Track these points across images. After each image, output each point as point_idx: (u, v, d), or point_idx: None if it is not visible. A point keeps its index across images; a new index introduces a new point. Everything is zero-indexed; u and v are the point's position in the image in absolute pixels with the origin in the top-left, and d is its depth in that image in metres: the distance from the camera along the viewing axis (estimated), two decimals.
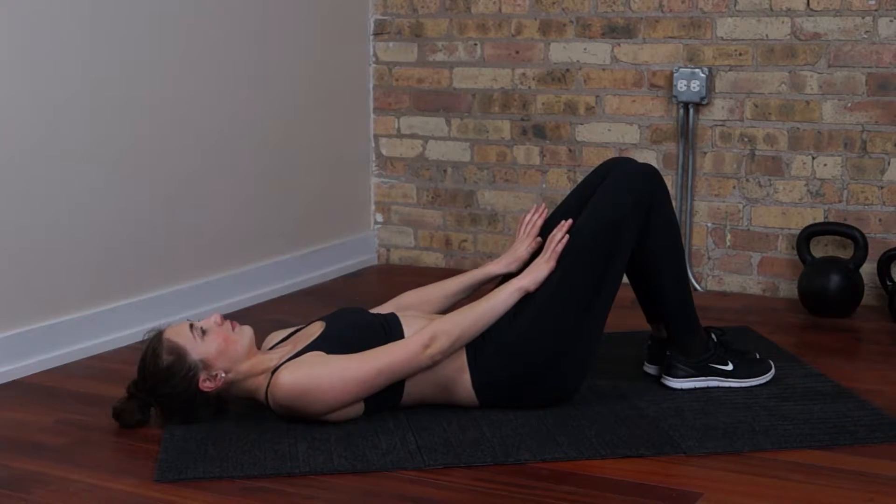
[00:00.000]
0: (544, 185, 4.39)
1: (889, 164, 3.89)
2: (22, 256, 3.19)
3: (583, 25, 4.27)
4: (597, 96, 4.28)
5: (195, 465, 2.48)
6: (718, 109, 4.09)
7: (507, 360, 2.74)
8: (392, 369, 2.66)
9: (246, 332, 2.75)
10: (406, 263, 4.66)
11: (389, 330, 2.76)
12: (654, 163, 4.16)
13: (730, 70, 4.06)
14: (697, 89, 4.05)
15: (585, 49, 4.27)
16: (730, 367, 2.98)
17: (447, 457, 2.51)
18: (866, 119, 3.89)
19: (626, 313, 3.35)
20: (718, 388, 2.96)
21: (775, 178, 4.05)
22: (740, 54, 4.03)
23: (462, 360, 2.74)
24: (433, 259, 4.62)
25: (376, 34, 4.63)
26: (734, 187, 4.11)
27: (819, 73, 3.94)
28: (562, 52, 4.32)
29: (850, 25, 3.87)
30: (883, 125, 3.88)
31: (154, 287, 3.62)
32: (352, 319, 2.83)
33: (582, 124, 4.32)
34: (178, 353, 2.65)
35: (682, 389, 2.95)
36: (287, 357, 2.70)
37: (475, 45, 4.47)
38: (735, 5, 4.02)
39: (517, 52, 4.39)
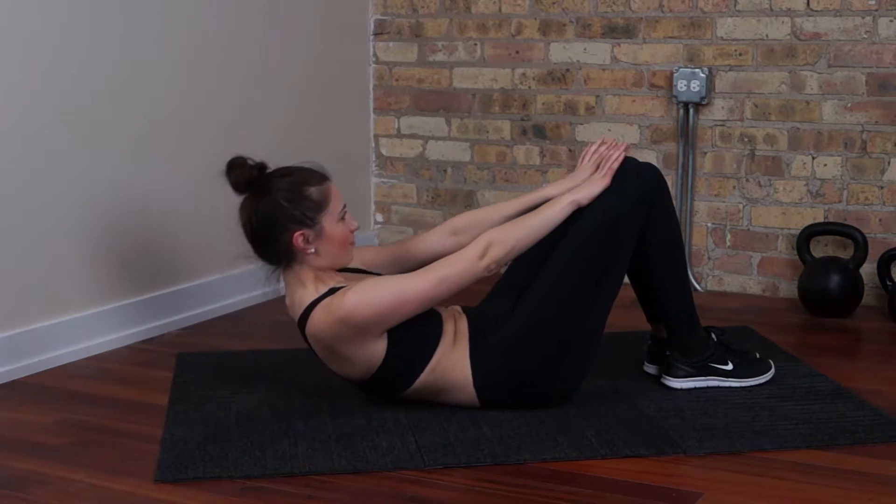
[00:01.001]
0: (544, 185, 4.39)
1: (889, 164, 3.89)
2: (22, 256, 3.19)
3: (583, 25, 4.27)
4: (597, 96, 4.28)
5: (195, 465, 2.48)
6: (718, 109, 4.09)
7: (508, 360, 2.74)
8: (451, 279, 2.65)
9: (351, 255, 2.77)
10: None
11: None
12: (654, 163, 4.13)
13: (730, 70, 4.06)
14: (697, 89, 4.05)
15: (585, 49, 4.28)
16: (730, 366, 2.98)
17: (447, 457, 2.51)
18: (866, 119, 3.89)
19: (626, 313, 3.35)
20: (718, 387, 2.96)
21: (775, 178, 4.05)
22: (740, 54, 4.04)
23: (465, 360, 2.74)
24: None
25: (376, 34, 4.63)
26: (734, 187, 4.11)
27: (819, 73, 3.94)
28: (562, 52, 4.32)
29: (850, 25, 3.87)
30: (883, 125, 3.88)
31: (154, 287, 3.62)
32: None
33: (582, 124, 4.32)
34: (321, 204, 2.67)
35: (682, 389, 2.95)
36: (343, 285, 2.68)
37: (475, 45, 4.47)
38: (735, 5, 4.02)
39: (517, 52, 4.39)
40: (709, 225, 4.17)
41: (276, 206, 2.67)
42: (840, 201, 3.97)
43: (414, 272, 2.70)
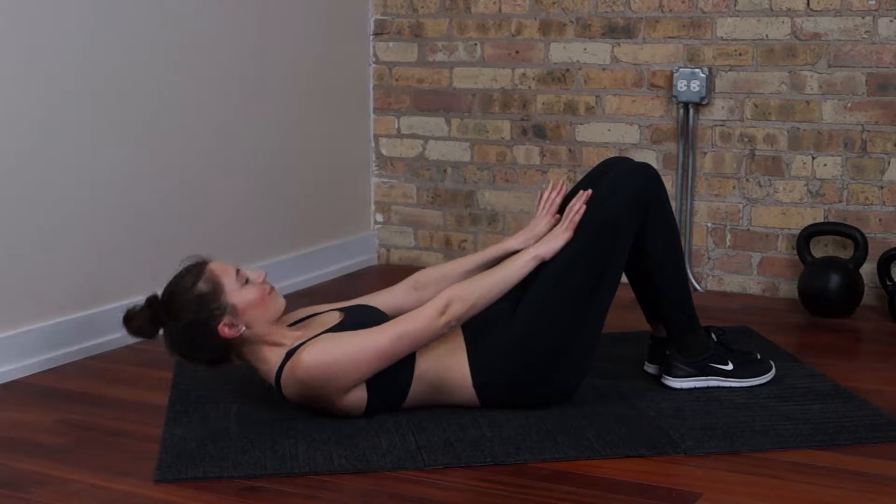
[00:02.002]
0: (544, 186, 4.39)
1: (889, 164, 3.89)
2: (22, 256, 3.19)
3: (583, 25, 4.27)
4: (597, 96, 4.28)
5: (195, 465, 2.48)
6: (718, 109, 4.09)
7: (507, 359, 2.74)
8: (410, 336, 2.65)
9: (279, 300, 2.75)
10: (406, 263, 4.67)
11: None
12: (654, 163, 4.16)
13: (730, 70, 4.06)
14: (697, 89, 4.05)
15: (585, 49, 4.28)
16: (730, 366, 2.98)
17: (447, 457, 2.51)
18: (866, 119, 3.89)
19: (626, 313, 3.35)
20: (718, 387, 2.96)
21: (775, 178, 4.05)
22: (740, 54, 4.04)
23: (463, 360, 2.74)
24: (433, 259, 4.62)
25: (376, 34, 4.63)
26: (734, 187, 4.11)
27: (819, 73, 3.94)
28: (562, 52, 4.32)
29: (850, 25, 3.87)
30: (883, 125, 3.88)
31: (154, 287, 3.61)
32: (369, 313, 2.83)
33: (582, 124, 4.32)
34: (215, 288, 2.66)
35: (682, 389, 2.95)
36: (301, 341, 2.69)
37: (475, 45, 4.47)
38: (735, 5, 4.02)
39: (517, 52, 4.39)
40: (709, 225, 4.17)
41: (187, 324, 2.66)
42: (840, 201, 3.97)
43: (373, 328, 2.68)
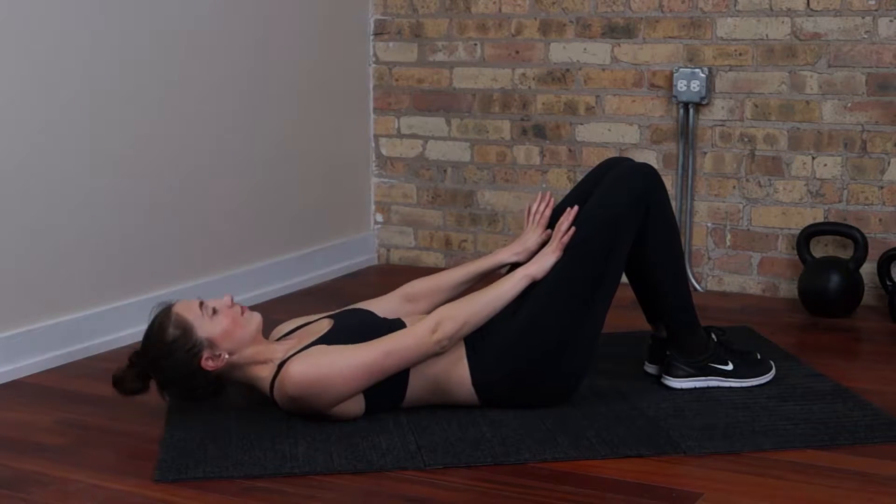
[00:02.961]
0: (544, 185, 4.39)
1: (889, 164, 3.89)
2: (22, 256, 3.19)
3: (583, 25, 4.27)
4: (597, 96, 4.28)
5: (195, 465, 2.48)
6: (718, 109, 4.09)
7: (507, 359, 2.74)
8: (399, 354, 2.65)
9: (255, 318, 2.76)
10: (406, 263, 4.66)
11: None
12: (654, 163, 4.16)
13: (730, 70, 4.06)
14: (697, 89, 4.05)
15: (585, 49, 4.27)
16: (730, 366, 2.98)
17: (447, 457, 2.51)
18: (866, 119, 3.89)
19: (626, 313, 3.35)
20: (718, 387, 2.96)
21: (775, 178, 4.05)
22: (740, 54, 4.04)
23: (462, 359, 2.74)
24: (433, 259, 4.62)
25: (376, 34, 4.63)
26: (734, 187, 4.11)
27: (819, 73, 3.94)
28: (562, 52, 4.32)
29: (850, 25, 3.87)
30: (883, 125, 3.88)
31: (154, 287, 3.62)
32: (360, 319, 2.84)
33: (582, 124, 4.32)
34: (185, 329, 2.66)
35: (682, 389, 2.95)
36: (292, 351, 2.70)
37: (475, 45, 4.47)
38: (735, 5, 4.02)
39: (517, 52, 4.39)
40: (709, 225, 4.17)
41: (171, 370, 2.68)
42: (840, 201, 3.97)
43: (363, 344, 2.68)
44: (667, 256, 2.92)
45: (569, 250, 2.78)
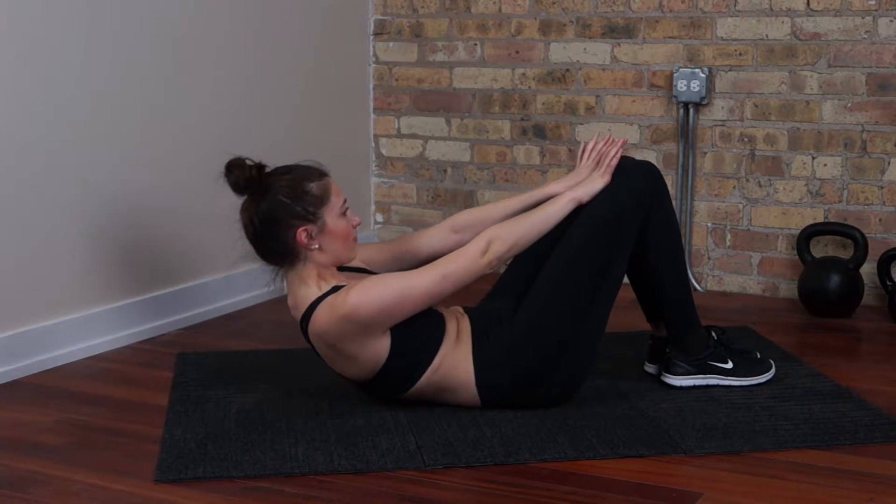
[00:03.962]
0: (546, 183, 4.38)
1: (889, 164, 3.89)
2: (22, 256, 3.19)
3: (583, 25, 4.27)
4: (597, 96, 4.28)
5: (195, 465, 2.48)
6: (718, 109, 4.09)
7: (509, 360, 2.74)
8: (454, 276, 2.65)
9: (354, 252, 2.77)
10: None
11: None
12: (654, 163, 4.15)
13: (730, 70, 4.06)
14: (697, 89, 4.05)
15: (585, 49, 4.28)
16: (730, 365, 2.98)
17: (447, 457, 2.51)
18: (866, 119, 3.89)
19: (626, 313, 3.35)
20: (718, 386, 2.96)
21: (775, 178, 4.05)
22: (740, 54, 4.04)
23: (468, 360, 2.74)
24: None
25: (376, 34, 4.63)
26: (734, 187, 4.11)
27: (819, 73, 3.94)
28: (562, 52, 4.32)
29: (850, 25, 3.87)
30: (883, 125, 3.88)
31: (154, 287, 3.62)
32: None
33: (582, 124, 4.32)
34: (322, 198, 2.68)
35: (681, 387, 2.95)
36: (347, 283, 2.68)
37: (475, 45, 4.47)
38: (735, 5, 4.02)
39: (517, 52, 4.39)
40: (709, 225, 4.17)
41: (277, 205, 2.67)
42: (840, 201, 3.97)
43: (417, 269, 2.70)
44: (667, 255, 2.92)
45: (570, 251, 2.77)
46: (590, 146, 2.96)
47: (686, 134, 4.13)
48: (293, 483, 2.40)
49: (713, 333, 3.01)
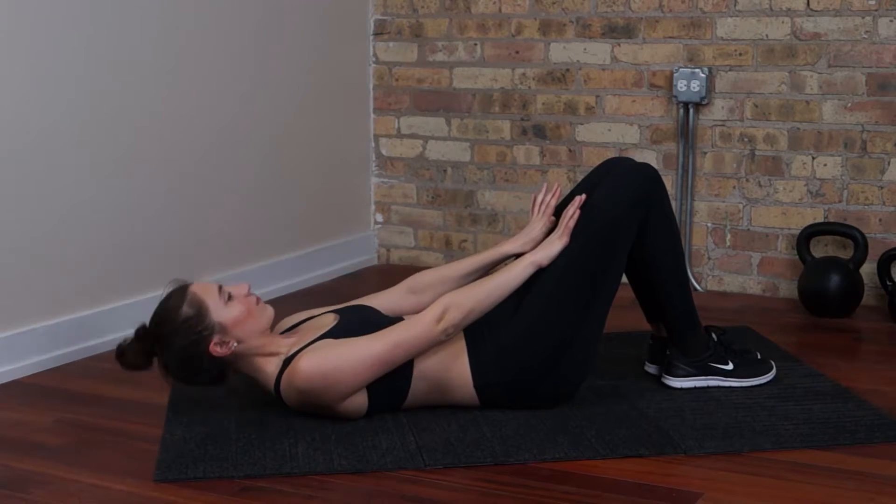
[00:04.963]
0: (539, 189, 4.38)
1: (889, 164, 3.89)
2: (22, 256, 3.19)
3: (583, 25, 4.27)
4: (597, 96, 4.28)
5: (195, 465, 2.48)
6: (718, 109, 4.09)
7: (508, 359, 2.74)
8: (407, 344, 2.64)
9: (268, 311, 2.75)
10: (406, 263, 4.66)
11: None
12: (654, 163, 4.16)
13: (730, 70, 4.06)
14: (697, 89, 4.05)
15: (585, 49, 4.28)
16: (730, 366, 2.98)
17: (447, 457, 2.51)
18: (866, 119, 3.89)
19: (626, 313, 3.35)
20: (718, 387, 2.96)
21: (775, 178, 4.05)
22: (740, 54, 4.04)
23: (464, 361, 2.74)
24: (433, 259, 4.62)
25: (376, 34, 4.63)
26: (734, 187, 4.11)
27: (819, 73, 3.94)
28: (562, 52, 4.32)
29: (850, 25, 3.87)
30: (883, 125, 3.88)
31: (154, 287, 3.60)
32: (365, 315, 2.83)
33: (582, 124, 4.32)
34: (199, 310, 2.65)
35: (682, 388, 2.95)
36: (298, 347, 2.69)
37: (475, 45, 4.47)
38: (735, 5, 4.02)
39: (517, 52, 4.39)
40: (709, 225, 4.17)
41: (178, 349, 2.66)
42: (840, 201, 3.97)
43: (370, 335, 2.67)
44: (667, 256, 2.92)
45: (569, 253, 2.77)
46: (539, 198, 2.97)
47: (686, 134, 4.13)
48: (293, 483, 2.40)
49: (713, 334, 3.01)
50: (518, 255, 2.92)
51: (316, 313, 2.91)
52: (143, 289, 3.56)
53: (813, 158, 3.99)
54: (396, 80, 4.62)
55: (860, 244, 3.82)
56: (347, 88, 4.55)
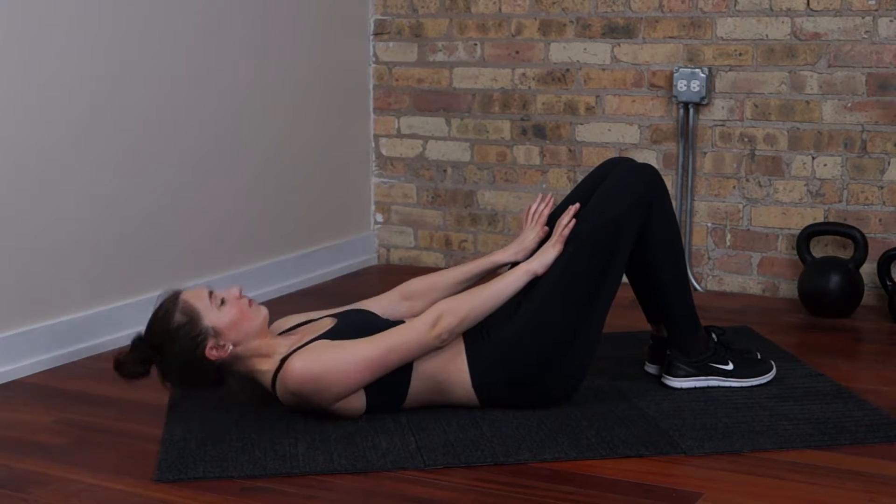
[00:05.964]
0: (544, 186, 4.39)
1: (889, 164, 3.89)
2: (22, 256, 3.19)
3: (583, 25, 4.27)
4: (597, 96, 4.28)
5: (195, 465, 2.48)
6: (718, 109, 4.09)
7: (507, 360, 2.74)
8: (400, 349, 2.65)
9: (261, 312, 2.76)
10: (406, 263, 4.66)
11: None
12: (654, 163, 4.16)
13: (730, 70, 4.06)
14: (697, 89, 4.05)
15: (585, 49, 4.27)
16: (730, 366, 2.98)
17: (447, 457, 2.51)
18: (866, 119, 3.89)
19: (626, 313, 3.35)
20: (718, 387, 2.96)
21: (775, 178, 4.05)
22: (740, 54, 4.04)
23: (463, 360, 2.74)
24: (433, 259, 4.62)
25: (376, 34, 4.63)
26: (734, 187, 4.11)
27: (819, 73, 3.94)
28: (562, 52, 4.32)
29: (850, 25, 3.87)
30: (883, 125, 3.88)
31: (154, 287, 3.60)
32: (363, 319, 2.84)
33: (582, 124, 4.32)
34: (192, 316, 2.66)
35: (682, 389, 2.95)
36: (295, 346, 2.70)
37: (475, 45, 4.47)
38: (735, 5, 4.02)
39: (517, 52, 4.39)
40: (709, 225, 4.17)
41: (175, 356, 2.67)
42: (840, 201, 3.97)
43: (364, 339, 2.68)
44: (667, 257, 2.92)
45: (569, 253, 2.77)
46: (533, 207, 2.98)
47: (686, 134, 4.13)
48: (293, 483, 2.40)
49: (713, 334, 3.01)
50: (510, 265, 2.94)
51: (313, 317, 2.92)
52: (143, 289, 3.56)
53: (813, 158, 3.99)
54: (396, 80, 4.62)
55: (860, 244, 3.82)
56: (347, 88, 4.55)
